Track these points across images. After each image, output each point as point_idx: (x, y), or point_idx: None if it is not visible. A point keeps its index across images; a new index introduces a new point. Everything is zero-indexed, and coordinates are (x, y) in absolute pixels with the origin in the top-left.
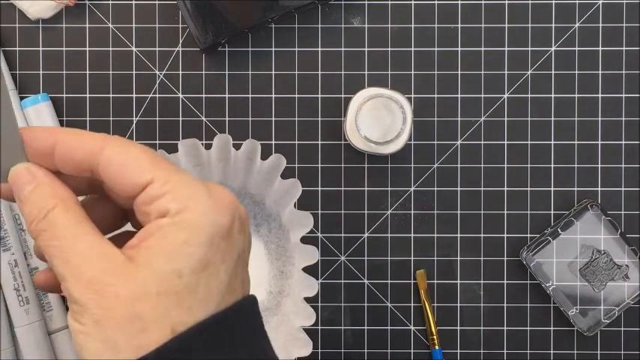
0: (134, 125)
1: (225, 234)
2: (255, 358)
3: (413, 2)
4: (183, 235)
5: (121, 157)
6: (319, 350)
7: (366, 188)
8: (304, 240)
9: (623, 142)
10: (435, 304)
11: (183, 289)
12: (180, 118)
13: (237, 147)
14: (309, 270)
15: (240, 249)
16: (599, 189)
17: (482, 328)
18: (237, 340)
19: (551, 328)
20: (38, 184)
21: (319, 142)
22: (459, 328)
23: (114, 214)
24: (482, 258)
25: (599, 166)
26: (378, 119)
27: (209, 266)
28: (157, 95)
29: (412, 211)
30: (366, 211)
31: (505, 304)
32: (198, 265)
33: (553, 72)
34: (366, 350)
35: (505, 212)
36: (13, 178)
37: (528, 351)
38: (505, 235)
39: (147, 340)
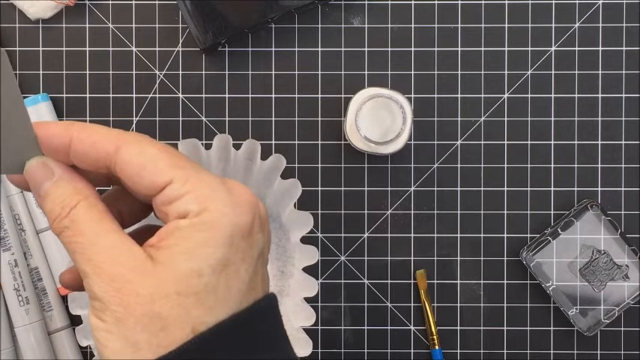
0: (134, 125)
1: (246, 234)
2: (276, 358)
3: (413, 2)
4: (203, 235)
5: (137, 159)
6: (319, 350)
7: (366, 188)
8: (304, 240)
9: (623, 142)
10: (435, 304)
11: (202, 288)
12: (180, 118)
13: (237, 147)
14: (309, 270)
15: (261, 247)
16: (599, 189)
17: (482, 328)
18: (259, 338)
19: (551, 328)
20: (58, 180)
21: (319, 142)
22: (459, 328)
23: (137, 206)
24: (482, 258)
25: (599, 166)
26: (378, 119)
27: (229, 266)
28: (157, 95)
29: (412, 211)
30: (366, 211)
31: (505, 304)
32: (217, 264)
33: (553, 72)
34: (366, 350)
35: (505, 212)
36: (30, 172)
37: (528, 351)
38: (505, 235)
39: (167, 339)
